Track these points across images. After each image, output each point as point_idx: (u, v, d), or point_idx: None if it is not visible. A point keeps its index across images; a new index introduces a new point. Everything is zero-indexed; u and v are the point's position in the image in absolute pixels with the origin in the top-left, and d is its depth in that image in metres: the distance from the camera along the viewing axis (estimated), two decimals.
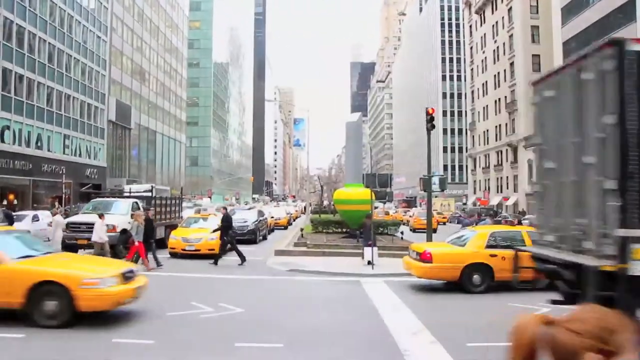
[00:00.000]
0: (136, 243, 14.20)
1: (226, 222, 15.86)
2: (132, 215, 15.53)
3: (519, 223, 22.64)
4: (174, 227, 20.19)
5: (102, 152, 50.95)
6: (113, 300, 7.63)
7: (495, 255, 11.31)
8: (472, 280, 11.28)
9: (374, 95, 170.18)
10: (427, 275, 11.55)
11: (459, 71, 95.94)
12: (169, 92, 73.69)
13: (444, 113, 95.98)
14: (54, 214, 20.47)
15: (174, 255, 17.04)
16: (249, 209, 32.32)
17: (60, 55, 42.95)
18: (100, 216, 15.18)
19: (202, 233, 17.73)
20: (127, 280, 7.96)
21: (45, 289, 7.33)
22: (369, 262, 14.94)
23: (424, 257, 11.45)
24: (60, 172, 39.76)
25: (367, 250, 15.12)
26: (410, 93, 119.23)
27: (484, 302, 10.39)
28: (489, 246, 11.52)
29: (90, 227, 15.54)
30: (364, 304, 10.22)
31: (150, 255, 14.71)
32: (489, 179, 68.39)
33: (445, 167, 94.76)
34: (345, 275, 14.12)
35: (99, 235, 14.70)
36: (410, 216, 42.16)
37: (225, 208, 16.73)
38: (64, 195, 36.98)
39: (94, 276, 7.56)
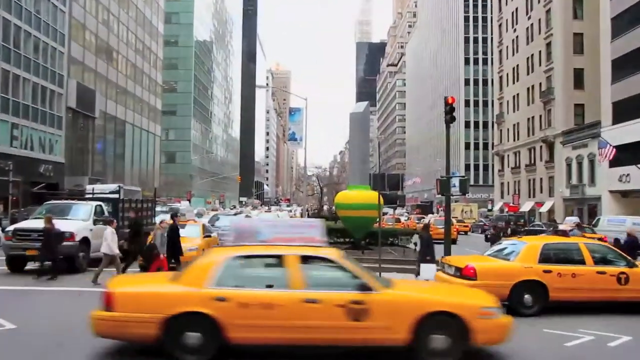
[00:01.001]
0: (161, 256, 14.13)
1: (137, 226, 15.91)
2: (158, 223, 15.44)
3: (563, 234, 22.62)
4: (146, 234, 20.05)
5: (60, 146, 50.90)
6: (507, 333, 7.71)
7: (549, 272, 11.34)
8: (523, 300, 11.32)
9: (384, 81, 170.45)
10: None
11: (484, 53, 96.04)
12: (141, 74, 73.69)
13: (467, 103, 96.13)
14: None
15: (144, 269, 17.01)
16: (235, 214, 32.32)
17: (7, 27, 42.88)
18: (110, 222, 15.29)
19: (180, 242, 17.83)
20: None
21: (436, 320, 7.31)
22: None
23: (467, 273, 11.41)
24: (7, 168, 38.62)
25: (426, 268, 14.84)
26: (427, 79, 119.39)
27: (522, 326, 10.18)
28: (542, 260, 11.56)
29: (42, 235, 15.44)
30: None
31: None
32: (519, 181, 68.46)
33: (467, 167, 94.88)
34: None
35: (110, 246, 14.69)
36: (425, 224, 41.80)
37: (174, 216, 16.28)
38: (10, 197, 36.71)
39: (489, 304, 7.75)
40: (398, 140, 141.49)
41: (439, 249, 19.17)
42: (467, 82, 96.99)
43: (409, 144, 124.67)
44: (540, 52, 62.36)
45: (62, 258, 16.07)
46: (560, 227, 38.00)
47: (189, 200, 67.58)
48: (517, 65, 69.17)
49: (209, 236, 19.33)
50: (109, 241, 14.67)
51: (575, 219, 44.38)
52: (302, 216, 44.05)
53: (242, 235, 8.27)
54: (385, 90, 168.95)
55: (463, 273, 11.53)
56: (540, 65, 62.31)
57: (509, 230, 27.44)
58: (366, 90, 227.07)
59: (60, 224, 16.07)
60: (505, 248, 12.56)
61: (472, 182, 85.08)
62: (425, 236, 15.99)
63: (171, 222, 15.56)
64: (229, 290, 7.36)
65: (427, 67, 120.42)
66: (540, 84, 61.96)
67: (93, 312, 7.49)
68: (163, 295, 7.51)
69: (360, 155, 22.48)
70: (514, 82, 70.51)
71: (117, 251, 14.82)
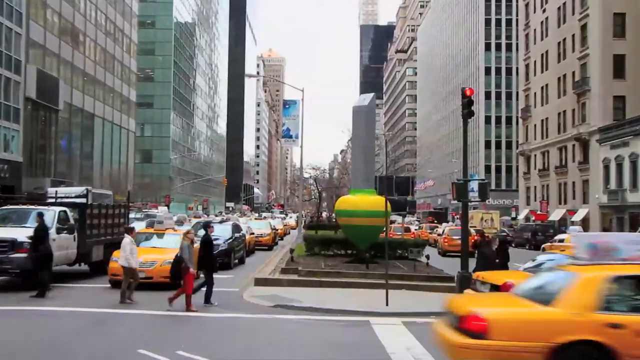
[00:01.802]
0: (191, 271, 14.35)
1: (41, 232, 16.03)
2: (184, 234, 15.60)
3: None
4: (117, 246, 20.06)
5: (17, 142, 50.85)
6: None
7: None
8: None
9: (392, 70, 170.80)
10: None
11: (508, 38, 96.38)
12: (112, 61, 73.74)
13: (487, 95, 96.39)
14: None
15: (116, 284, 17.00)
16: (222, 221, 32.31)
17: None
18: (130, 231, 15.60)
19: (156, 254, 17.87)
20: None
21: None
22: None
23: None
24: None
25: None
26: (442, 67, 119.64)
27: None
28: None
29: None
30: (376, 355, 10.16)
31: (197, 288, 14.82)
32: (547, 185, 68.54)
33: (487, 169, 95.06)
34: (350, 313, 14.11)
35: (127, 258, 14.90)
36: (439, 234, 42.14)
37: (207, 226, 16.62)
38: None
39: None
40: (408, 138, 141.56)
41: (453, 263, 19.17)
42: (487, 71, 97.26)
43: (421, 142, 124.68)
44: (573, 35, 62.49)
45: (18, 272, 16.06)
46: (562, 236, 38.57)
47: (168, 206, 67.60)
48: (547, 52, 69.35)
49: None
50: (127, 253, 14.96)
51: (577, 229, 44.84)
52: (297, 224, 43.99)
53: (598, 252, 8.44)
54: (393, 81, 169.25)
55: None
56: (573, 51, 62.43)
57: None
58: (371, 80, 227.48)
59: (11, 233, 16.11)
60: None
61: (493, 187, 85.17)
62: (488, 252, 16.12)
63: (204, 232, 16.03)
64: (622, 315, 7.53)
65: (442, 53, 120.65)
66: (574, 72, 62.07)
67: (452, 338, 7.75)
68: (544, 321, 7.58)
69: (364, 155, 22.48)
70: (542, 71, 70.66)
71: (135, 264, 15.18)
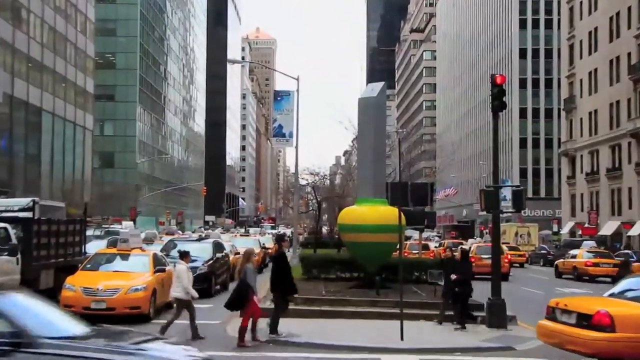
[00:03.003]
0: (256, 297, 14.87)
1: None
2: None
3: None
4: (71, 270, 20.13)
5: None
6: None
7: None
8: None
9: (407, 53, 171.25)
10: (605, 353, 11.56)
11: (548, 13, 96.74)
12: (64, 43, 73.78)
13: (522, 83, 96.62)
14: None
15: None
16: (200, 239, 32.31)
17: None
18: (185, 256, 15.92)
19: (120, 280, 17.96)
20: None
21: None
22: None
23: (600, 322, 11.52)
24: None
25: None
26: (466, 50, 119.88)
27: None
28: None
29: None
30: None
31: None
32: (597, 192, 68.63)
33: (523, 173, 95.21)
34: (358, 350, 14.10)
35: (187, 288, 15.14)
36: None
37: (281, 240, 17.51)
38: None
39: None
40: (426, 136, 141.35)
41: (482, 287, 19.22)
42: (522, 53, 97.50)
43: (442, 141, 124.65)
44: (629, 8, 62.69)
45: None
46: (574, 251, 40.72)
47: (134, 221, 67.60)
48: (595, 29, 69.47)
49: (163, 270, 19.34)
50: (184, 282, 15.13)
51: (591, 244, 46.12)
52: (290, 242, 44.07)
53: None
54: (407, 67, 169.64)
55: (593, 322, 11.62)
56: (629, 27, 62.63)
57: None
58: (381, 66, 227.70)
59: None
60: None
61: (529, 194, 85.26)
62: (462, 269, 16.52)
63: (275, 248, 16.83)
64: None
65: (467, 33, 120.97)
66: (629, 54, 62.26)
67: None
68: None
69: (373, 157, 22.52)
70: (590, 53, 70.84)
71: (195, 293, 15.50)
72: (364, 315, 18.00)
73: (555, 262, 43.83)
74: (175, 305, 15.65)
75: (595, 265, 38.80)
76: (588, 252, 41.25)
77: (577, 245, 46.73)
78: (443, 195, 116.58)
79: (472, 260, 37.40)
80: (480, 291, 19.03)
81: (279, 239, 17.63)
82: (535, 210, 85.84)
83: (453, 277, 17.11)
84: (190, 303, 15.41)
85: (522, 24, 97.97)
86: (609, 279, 37.15)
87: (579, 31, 73.69)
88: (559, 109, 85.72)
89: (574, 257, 40.62)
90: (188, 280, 15.31)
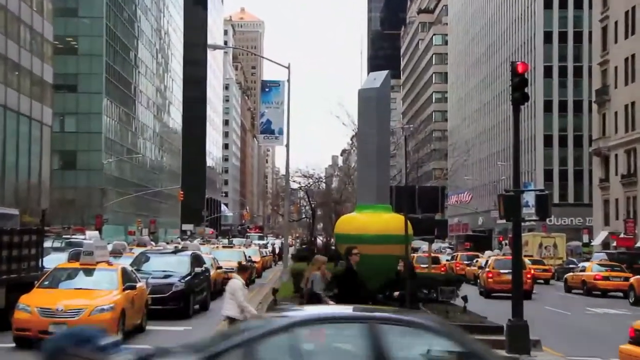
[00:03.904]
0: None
1: None
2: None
3: None
4: (25, 287, 19.95)
5: None
6: None
7: None
8: None
9: (414, 38, 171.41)
10: None
11: None
12: (16, 25, 73.63)
13: (548, 71, 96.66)
14: None
15: (23, 342, 16.96)
16: (176, 251, 32.31)
17: None
18: (244, 270, 16.20)
19: (84, 299, 17.92)
20: None
21: None
22: None
23: None
24: None
25: None
26: (483, 34, 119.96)
27: None
28: None
29: None
30: None
31: None
32: (634, 197, 68.74)
33: (548, 175, 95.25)
34: None
35: (244, 305, 15.16)
36: (480, 267, 42.44)
37: (350, 253, 17.45)
38: None
39: None
40: (436, 133, 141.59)
41: (502, 307, 19.20)
42: (548, 37, 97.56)
43: (454, 139, 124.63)
44: None
45: None
46: (584, 264, 41.43)
47: (99, 230, 67.44)
48: (633, 8, 69.41)
49: (133, 287, 19.32)
50: (240, 299, 15.17)
51: (602, 256, 46.71)
52: (281, 254, 44.10)
53: None
54: (414, 53, 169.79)
55: None
56: None
57: None
58: (384, 53, 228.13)
59: None
60: None
61: (556, 200, 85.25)
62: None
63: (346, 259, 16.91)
64: None
65: (482, 14, 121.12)
66: None
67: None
68: None
69: (375, 156, 22.52)
70: (626, 36, 70.85)
71: (253, 311, 15.59)
72: None
73: (565, 276, 44.77)
74: (226, 325, 15.57)
75: (605, 278, 39.79)
76: (598, 264, 41.93)
77: (615, 261, 46.93)
78: (456, 201, 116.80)
79: (490, 275, 37.78)
80: (500, 311, 19.03)
81: (349, 251, 17.54)
82: (562, 218, 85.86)
83: None
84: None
85: (548, 3, 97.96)
86: (620, 294, 37.76)
87: (614, 11, 73.52)
88: (589, 102, 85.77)
89: (583, 270, 41.78)
90: (244, 297, 15.37)
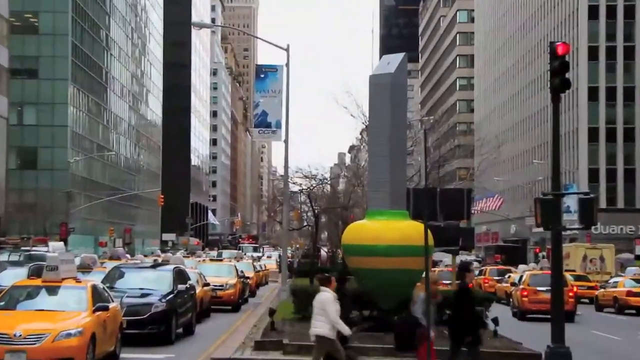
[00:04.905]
0: (431, 335, 15.47)
1: None
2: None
3: None
4: None
5: None
6: None
7: None
8: None
9: (434, 14, 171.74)
10: None
11: None
12: None
13: (593, 53, 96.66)
14: None
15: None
16: (155, 265, 32.48)
17: None
18: (327, 282, 16.24)
19: (46, 323, 17.89)
20: None
21: None
22: None
23: None
24: None
25: None
26: (515, 9, 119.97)
27: None
28: None
29: None
30: None
31: None
32: None
33: (593, 175, 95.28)
34: None
35: (335, 322, 15.34)
36: (513, 283, 42.61)
37: (466, 269, 17.82)
38: None
39: None
40: (460, 126, 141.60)
41: (539, 330, 19.17)
42: (593, 12, 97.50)
43: (482, 133, 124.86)
44: None
45: None
46: (615, 279, 42.04)
47: (65, 241, 67.59)
48: None
49: (105, 308, 19.31)
50: (332, 315, 15.30)
51: (635, 270, 47.23)
52: (279, 267, 44.20)
53: None
54: (435, 32, 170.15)
55: None
56: None
57: None
58: (400, 32, 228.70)
59: None
60: None
61: (603, 204, 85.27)
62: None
63: (463, 279, 16.94)
64: None
65: None
66: None
67: None
68: None
69: (389, 154, 22.55)
70: None
71: (347, 330, 15.90)
72: None
73: (596, 293, 45.39)
74: (315, 346, 15.72)
75: (637, 295, 39.83)
76: (632, 279, 42.19)
77: None
78: (484, 206, 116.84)
79: (525, 293, 37.80)
80: (536, 334, 19.05)
81: (464, 268, 17.72)
82: (610, 226, 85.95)
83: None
84: (334, 344, 15.51)
85: None
86: None
87: None
88: None
89: (615, 286, 42.70)
90: (336, 313, 15.38)
